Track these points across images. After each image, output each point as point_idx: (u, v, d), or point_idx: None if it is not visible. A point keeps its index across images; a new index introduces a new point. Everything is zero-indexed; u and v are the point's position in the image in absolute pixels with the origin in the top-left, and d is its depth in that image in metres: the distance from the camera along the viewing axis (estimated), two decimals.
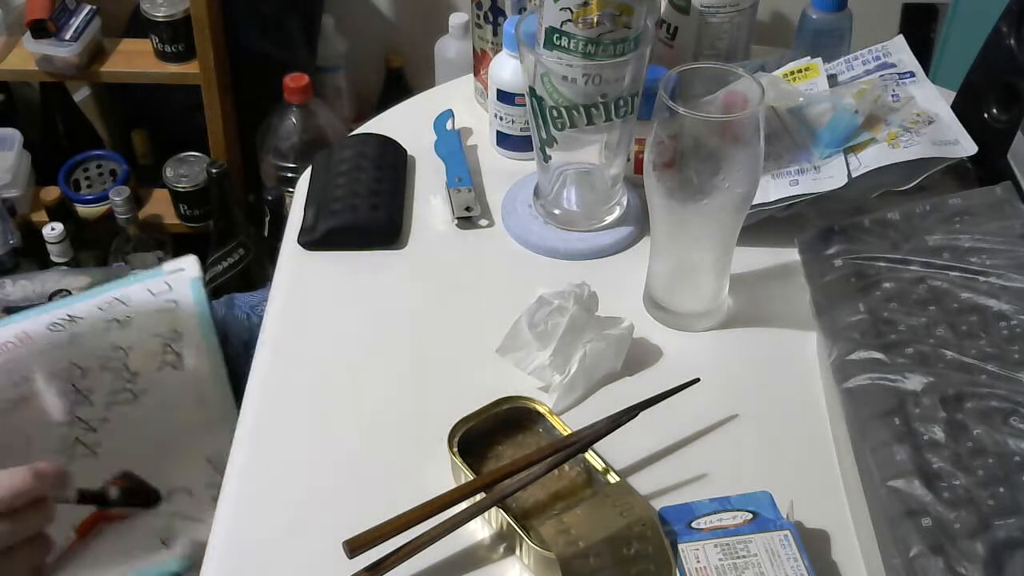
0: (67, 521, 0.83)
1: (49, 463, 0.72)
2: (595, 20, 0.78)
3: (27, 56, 1.63)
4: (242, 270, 1.67)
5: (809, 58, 0.95)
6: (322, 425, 0.77)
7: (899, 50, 0.93)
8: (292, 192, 1.01)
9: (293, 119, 1.65)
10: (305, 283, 0.89)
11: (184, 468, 0.89)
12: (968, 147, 0.85)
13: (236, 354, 0.97)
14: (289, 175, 1.66)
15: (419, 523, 0.65)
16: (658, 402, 0.73)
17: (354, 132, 1.05)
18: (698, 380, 0.74)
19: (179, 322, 1.00)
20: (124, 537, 0.84)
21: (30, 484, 0.69)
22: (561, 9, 0.78)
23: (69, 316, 1.01)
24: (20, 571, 0.70)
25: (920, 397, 0.67)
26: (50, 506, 0.71)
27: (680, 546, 0.64)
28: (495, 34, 1.02)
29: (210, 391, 0.95)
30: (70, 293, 1.42)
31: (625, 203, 0.92)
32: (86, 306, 1.01)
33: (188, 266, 1.05)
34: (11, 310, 1.13)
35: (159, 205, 1.81)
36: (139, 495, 0.81)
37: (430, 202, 0.96)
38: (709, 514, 0.66)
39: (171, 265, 1.05)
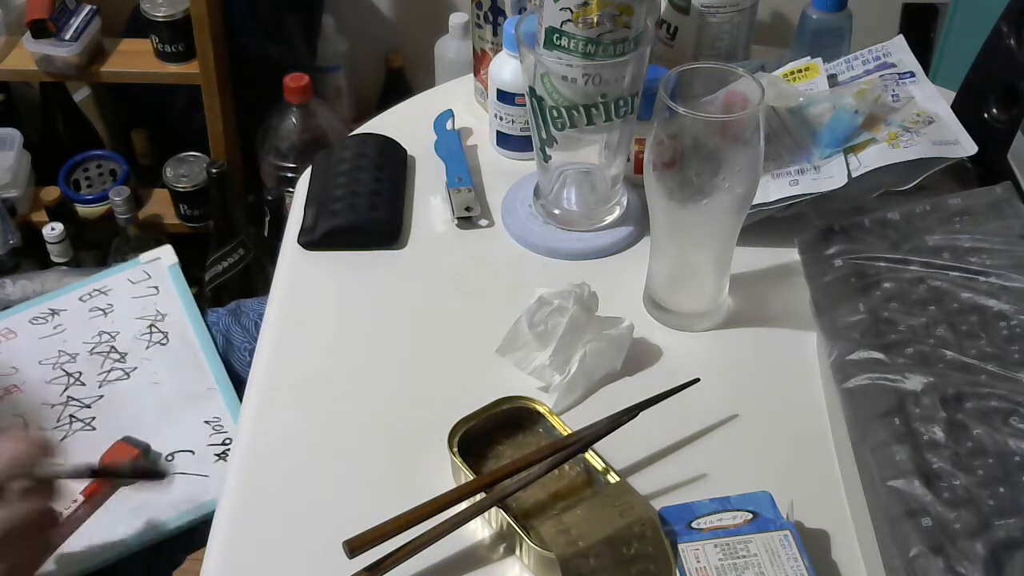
0: (75, 484, 0.86)
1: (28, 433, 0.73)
2: (595, 20, 0.78)
3: (27, 56, 1.63)
4: (242, 270, 1.67)
5: (809, 58, 0.95)
6: (322, 425, 0.77)
7: (899, 50, 0.93)
8: (292, 192, 1.01)
9: (293, 119, 1.65)
10: (305, 283, 0.89)
11: (184, 432, 0.91)
12: (968, 147, 0.84)
13: (242, 361, 0.98)
14: (289, 175, 1.66)
15: (419, 523, 0.65)
16: (658, 402, 0.73)
17: (354, 132, 1.05)
18: (698, 380, 0.74)
19: (162, 305, 1.01)
20: (136, 493, 0.87)
21: (16, 449, 0.69)
22: (561, 9, 0.78)
23: (51, 310, 1.02)
24: (23, 555, 0.70)
25: (920, 397, 0.67)
26: (47, 487, 0.71)
27: (680, 546, 0.64)
28: (495, 34, 1.02)
29: (202, 361, 0.96)
30: None
31: (625, 203, 0.92)
32: (67, 299, 1.03)
33: (164, 255, 1.07)
34: None
35: (159, 205, 1.81)
36: (149, 473, 0.83)
37: (430, 202, 0.96)
38: (709, 514, 0.66)
39: (148, 255, 1.07)
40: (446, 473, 0.71)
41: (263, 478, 0.74)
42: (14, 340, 0.99)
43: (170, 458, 0.90)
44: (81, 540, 0.83)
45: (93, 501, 0.86)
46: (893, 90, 0.90)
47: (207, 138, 1.72)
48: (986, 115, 0.90)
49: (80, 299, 1.03)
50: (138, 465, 0.85)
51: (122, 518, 0.86)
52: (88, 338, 0.99)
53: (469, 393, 0.74)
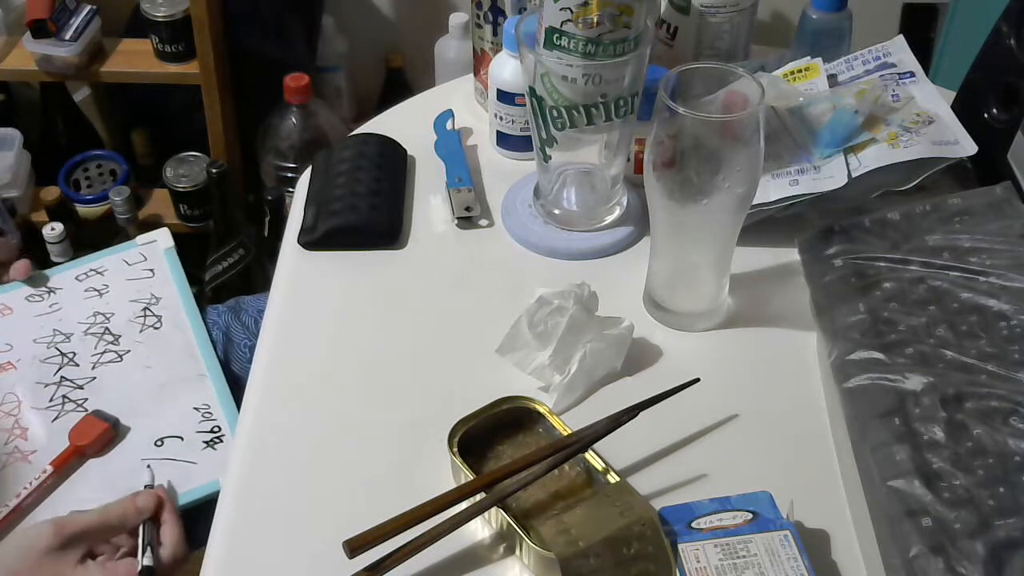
0: (44, 456, 0.87)
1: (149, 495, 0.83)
2: (595, 20, 0.78)
3: (27, 56, 1.63)
4: (242, 270, 1.67)
5: (809, 58, 0.95)
6: (322, 425, 0.77)
7: (899, 50, 0.93)
8: (292, 192, 1.01)
9: (293, 119, 1.65)
10: (305, 283, 0.89)
11: (174, 417, 0.92)
12: (968, 147, 0.85)
13: (242, 359, 0.98)
14: (289, 175, 1.66)
15: (419, 523, 0.65)
16: (658, 402, 0.73)
17: (354, 132, 1.05)
18: (698, 380, 0.74)
19: (156, 288, 1.02)
20: (106, 468, 0.89)
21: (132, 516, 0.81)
22: (561, 9, 0.78)
23: (47, 288, 1.02)
24: None
25: (920, 397, 0.67)
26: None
27: (680, 546, 0.64)
28: (495, 34, 1.02)
29: (193, 347, 0.97)
30: None
31: (625, 203, 0.92)
32: (64, 277, 1.03)
33: (161, 238, 1.08)
34: None
35: (159, 205, 1.81)
36: None
37: (430, 202, 0.96)
38: (709, 514, 0.66)
39: (144, 237, 1.08)
40: (446, 473, 0.71)
41: (263, 478, 0.74)
42: (10, 316, 0.99)
43: (159, 443, 0.90)
44: None
45: (61, 472, 0.87)
46: (893, 90, 0.90)
47: (207, 138, 1.72)
48: (986, 115, 0.90)
49: (76, 278, 1.03)
50: None
51: (106, 502, 0.86)
52: (83, 318, 0.99)
53: (469, 393, 0.74)
